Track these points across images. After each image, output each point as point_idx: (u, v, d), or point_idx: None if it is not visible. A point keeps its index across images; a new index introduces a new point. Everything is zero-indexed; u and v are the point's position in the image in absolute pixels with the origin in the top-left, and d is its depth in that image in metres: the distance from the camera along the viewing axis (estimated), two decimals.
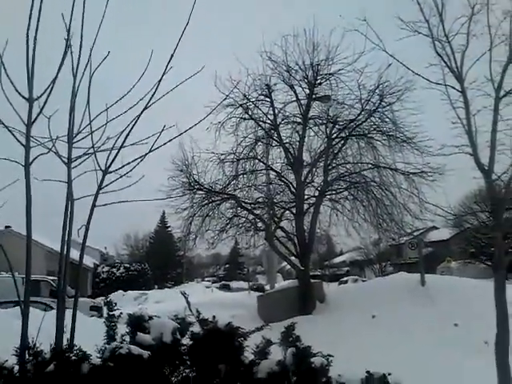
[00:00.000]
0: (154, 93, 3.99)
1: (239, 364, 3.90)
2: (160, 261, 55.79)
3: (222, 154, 18.20)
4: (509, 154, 7.61)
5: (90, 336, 4.28)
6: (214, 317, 4.03)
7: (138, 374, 3.62)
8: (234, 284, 55.18)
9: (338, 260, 72.42)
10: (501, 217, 7.98)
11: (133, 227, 71.14)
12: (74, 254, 4.66)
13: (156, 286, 48.33)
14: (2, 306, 14.36)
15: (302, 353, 3.93)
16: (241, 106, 17.69)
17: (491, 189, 7.83)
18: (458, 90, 7.93)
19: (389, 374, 3.90)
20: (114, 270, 44.70)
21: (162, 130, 3.66)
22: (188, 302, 4.31)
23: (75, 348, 3.82)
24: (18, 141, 3.78)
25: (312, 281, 18.13)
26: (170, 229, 51.38)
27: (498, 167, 7.69)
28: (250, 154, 18.54)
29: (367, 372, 3.80)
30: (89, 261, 39.36)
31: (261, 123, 18.43)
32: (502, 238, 8.08)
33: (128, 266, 46.70)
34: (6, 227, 28.89)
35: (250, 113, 18.09)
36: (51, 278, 21.30)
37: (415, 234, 19.57)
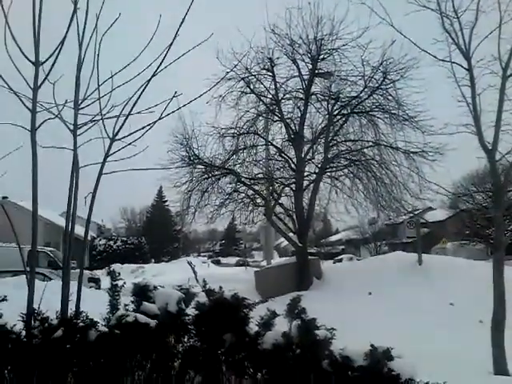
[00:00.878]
0: (163, 60, 3.91)
1: (244, 335, 3.91)
2: (157, 235, 55.96)
3: (222, 129, 18.10)
4: None
5: (89, 306, 4.28)
6: (220, 287, 4.04)
7: (144, 342, 3.64)
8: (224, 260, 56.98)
9: (333, 238, 72.76)
10: (502, 197, 8.00)
11: (130, 201, 71.22)
12: (76, 228, 4.63)
13: (153, 260, 48.64)
14: (0, 275, 14.41)
15: (306, 325, 3.95)
16: (242, 79, 17.49)
17: (494, 169, 7.81)
18: (464, 68, 7.84)
19: (391, 349, 3.92)
20: (111, 243, 44.92)
21: (173, 96, 3.59)
22: (195, 272, 4.32)
23: (82, 315, 3.83)
24: (25, 105, 3.71)
25: (310, 257, 18.24)
26: (167, 203, 51.48)
27: (502, 146, 7.68)
28: (251, 128, 18.41)
29: (371, 345, 3.82)
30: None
31: (262, 98, 18.26)
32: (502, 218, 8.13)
33: (125, 239, 46.94)
34: (3, 198, 28.79)
35: (251, 87, 17.90)
36: (49, 248, 21.37)
37: (413, 213, 19.61)
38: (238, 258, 61.10)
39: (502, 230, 8.15)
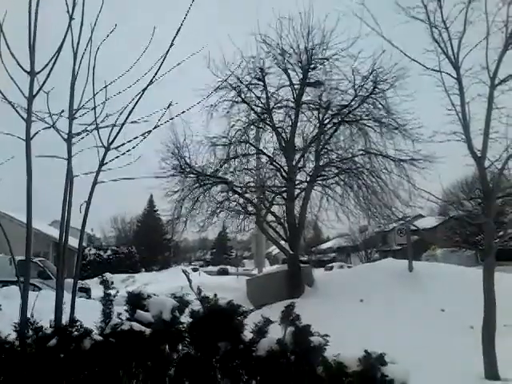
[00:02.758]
0: (159, 69, 3.96)
1: (239, 342, 3.93)
2: (147, 244, 55.57)
3: (213, 138, 18.08)
4: (502, 142, 7.71)
5: (80, 315, 4.28)
6: (215, 295, 4.06)
7: (139, 350, 3.65)
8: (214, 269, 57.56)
9: (324, 246, 72.91)
10: (492, 204, 8.10)
11: (120, 210, 70.75)
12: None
13: (143, 269, 48.29)
14: None
15: (301, 332, 3.98)
16: (234, 88, 17.54)
17: (483, 176, 7.93)
18: (453, 77, 7.97)
19: (385, 354, 3.96)
20: (101, 252, 44.60)
21: (169, 106, 3.64)
22: (189, 280, 4.33)
23: (76, 324, 3.83)
24: (20, 115, 3.73)
25: (301, 265, 18.25)
26: (157, 212, 51.20)
27: (491, 154, 7.80)
28: (242, 137, 18.42)
29: (365, 351, 3.85)
30: (76, 242, 38.98)
31: (253, 107, 18.30)
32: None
33: (115, 248, 46.63)
34: None
35: (242, 96, 17.94)
36: (38, 258, 21.19)
37: (403, 221, 19.74)
38: (218, 267, 61.69)
39: (491, 237, 8.24)
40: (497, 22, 7.63)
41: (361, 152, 17.88)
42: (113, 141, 3.93)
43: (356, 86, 16.88)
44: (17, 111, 3.83)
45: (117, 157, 3.90)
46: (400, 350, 5.21)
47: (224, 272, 54.64)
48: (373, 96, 16.97)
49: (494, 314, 7.50)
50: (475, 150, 7.76)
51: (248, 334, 4.07)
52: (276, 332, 4.15)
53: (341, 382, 3.72)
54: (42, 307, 4.30)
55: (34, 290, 9.95)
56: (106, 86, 4.01)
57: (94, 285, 17.20)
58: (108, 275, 29.72)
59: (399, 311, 12.42)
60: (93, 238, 56.15)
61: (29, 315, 3.99)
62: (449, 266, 18.42)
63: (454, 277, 15.17)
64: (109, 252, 44.93)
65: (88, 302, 13.15)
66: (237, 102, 18.05)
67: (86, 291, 19.94)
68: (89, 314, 4.44)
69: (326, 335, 4.15)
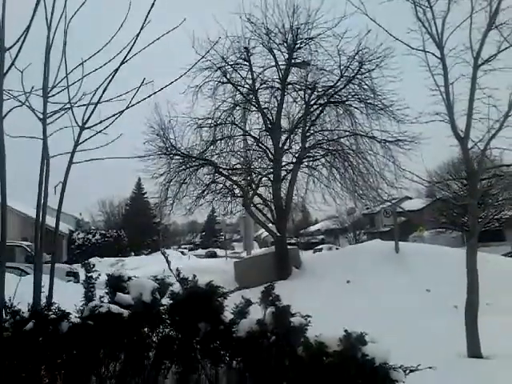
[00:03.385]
0: (132, 47, 3.85)
1: (219, 323, 3.92)
2: (136, 228, 55.44)
3: (199, 119, 17.93)
4: (485, 122, 7.71)
5: (67, 299, 4.24)
6: (194, 276, 4.03)
7: (117, 332, 3.61)
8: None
9: (312, 228, 73.36)
10: (476, 185, 8.13)
11: (108, 193, 70.36)
12: (49, 221, 4.55)
13: (132, 253, 48.24)
14: None
15: (281, 312, 3.97)
16: (219, 69, 17.35)
17: (467, 157, 7.94)
18: (437, 57, 7.92)
19: (365, 334, 3.97)
20: (90, 236, 44.36)
21: (142, 84, 3.55)
22: (168, 261, 4.29)
23: (53, 307, 3.78)
24: None
25: (288, 247, 18.31)
26: (146, 196, 51.05)
27: (474, 135, 7.80)
28: (228, 118, 18.30)
29: (345, 331, 3.85)
30: (64, 227, 38.84)
31: (239, 87, 18.15)
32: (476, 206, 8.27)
33: (104, 232, 46.42)
34: None
35: (228, 76, 17.76)
36: (26, 243, 21.03)
37: (390, 202, 19.84)
38: (206, 250, 62.16)
39: (475, 218, 8.29)
40: (480, 0, 7.56)
41: (347, 133, 17.85)
42: (87, 120, 3.85)
43: (342, 67, 16.80)
44: None
45: (91, 136, 3.81)
46: (384, 330, 5.25)
47: (212, 255, 54.93)
48: (358, 76, 16.91)
49: (476, 293, 7.58)
50: (459, 130, 7.75)
51: (229, 315, 4.06)
52: (258, 313, 4.15)
53: (321, 362, 3.72)
54: (26, 291, 4.24)
55: (20, 275, 9.87)
56: (80, 64, 3.91)
57: (83, 269, 17.06)
58: (96, 259, 29.64)
59: (385, 292, 12.54)
60: (81, 222, 55.83)
61: (10, 298, 3.93)
62: (434, 247, 18.60)
63: (440, 257, 15.32)
64: (97, 236, 44.71)
65: (76, 286, 13.10)
66: (222, 83, 17.90)
67: (75, 275, 19.83)
68: (75, 298, 4.39)
69: (308, 316, 4.15)
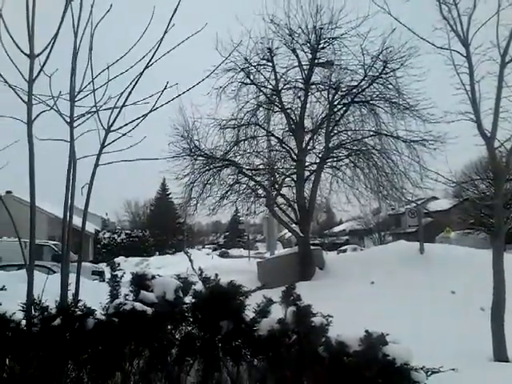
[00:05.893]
0: (156, 51, 3.93)
1: (240, 322, 3.97)
2: (161, 228, 56.11)
3: (222, 120, 18.05)
4: None
5: (93, 297, 4.35)
6: (216, 275, 4.09)
7: (141, 329, 3.70)
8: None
9: (337, 229, 72.94)
10: (502, 185, 7.99)
11: (134, 194, 71.39)
12: (76, 221, 4.68)
13: (157, 253, 48.81)
14: (5, 269, 14.55)
15: (302, 312, 4.00)
16: (242, 70, 17.44)
17: (493, 156, 7.81)
18: (462, 55, 7.81)
19: (387, 334, 3.96)
20: (115, 236, 45.09)
21: (165, 87, 3.63)
22: (191, 261, 4.36)
23: (80, 304, 3.89)
24: (21, 98, 3.75)
25: (312, 248, 18.28)
26: (170, 196, 51.56)
27: (501, 134, 7.67)
28: (251, 119, 18.37)
29: (366, 331, 3.86)
30: (90, 227, 39.56)
31: (262, 88, 18.21)
32: (503, 206, 8.12)
33: (129, 232, 47.11)
34: (7, 192, 28.87)
35: (251, 77, 17.85)
36: (53, 242, 21.52)
37: (416, 202, 19.61)
38: (221, 250, 62.92)
39: (501, 219, 8.14)
40: None
41: (371, 133, 17.73)
42: (113, 123, 3.95)
43: (366, 66, 16.72)
44: (18, 94, 3.85)
45: (117, 138, 3.92)
46: (408, 331, 5.23)
47: (224, 255, 55.83)
48: (383, 76, 16.77)
49: (503, 295, 7.45)
50: (485, 130, 7.63)
51: (251, 314, 4.11)
52: (280, 313, 4.18)
53: (342, 362, 3.73)
54: (53, 289, 4.36)
55: (48, 273, 10.12)
56: (106, 68, 4.01)
57: (108, 268, 17.34)
58: (122, 259, 30.17)
59: (410, 293, 12.39)
60: (107, 222, 56.76)
61: (39, 295, 4.06)
62: (460, 248, 18.28)
63: (465, 259, 15.07)
64: (123, 236, 45.42)
65: (101, 284, 13.35)
66: (245, 84, 17.99)
67: (100, 274, 20.19)
68: (100, 296, 4.51)
69: (330, 316, 4.16)
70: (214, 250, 65.82)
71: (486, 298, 7.72)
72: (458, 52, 7.80)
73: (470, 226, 40.49)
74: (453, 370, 3.84)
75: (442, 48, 7.93)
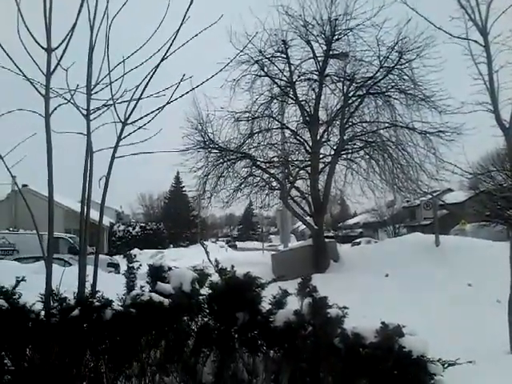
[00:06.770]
0: (172, 44, 3.94)
1: (257, 313, 3.99)
2: (175, 221, 56.51)
3: (236, 112, 17.98)
4: None
5: (108, 289, 4.40)
6: (232, 266, 4.11)
7: (158, 320, 3.74)
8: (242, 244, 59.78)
9: (351, 222, 72.70)
10: None
11: (148, 187, 71.90)
12: (93, 214, 4.73)
13: (171, 246, 49.18)
14: (23, 261, 14.80)
15: (318, 303, 4.01)
16: (256, 62, 17.35)
17: (511, 147, 7.70)
18: (481, 45, 7.69)
19: (403, 326, 3.95)
20: (130, 228, 45.50)
21: (181, 80, 3.64)
22: (207, 252, 4.39)
23: (97, 296, 3.94)
24: (38, 91, 3.79)
25: (326, 240, 18.24)
26: (184, 189, 51.84)
27: None
28: (266, 112, 18.30)
29: (382, 323, 3.86)
30: (105, 220, 39.85)
31: (276, 80, 18.10)
32: None
33: (143, 225, 47.49)
34: (23, 186, 29.24)
35: (265, 69, 17.75)
36: (69, 235, 21.80)
37: (431, 195, 19.43)
38: (230, 243, 63.77)
39: None
40: None
41: (386, 125, 17.57)
42: (129, 116, 3.98)
43: (381, 57, 16.52)
44: (36, 88, 3.88)
45: (133, 132, 3.94)
46: (424, 324, 5.21)
47: (232, 246, 57.43)
48: (398, 67, 16.57)
49: None
50: (503, 120, 7.52)
51: (267, 306, 4.12)
52: (295, 305, 4.19)
53: (358, 353, 3.74)
54: (70, 281, 4.42)
55: (64, 266, 10.26)
56: (122, 62, 4.03)
57: (123, 260, 17.54)
58: (136, 251, 30.42)
59: (425, 286, 12.32)
60: (122, 214, 57.29)
61: (57, 287, 4.12)
62: (476, 241, 18.10)
63: (482, 251, 14.91)
64: (137, 228, 45.80)
65: (117, 276, 13.51)
66: (259, 76, 17.90)
67: (115, 266, 20.44)
68: (116, 288, 4.57)
69: (345, 307, 4.17)
70: (228, 242, 66.21)
71: (503, 290, 7.64)
72: (476, 41, 7.68)
73: (486, 218, 40.01)
74: (470, 362, 3.83)
75: (459, 38, 7.82)
